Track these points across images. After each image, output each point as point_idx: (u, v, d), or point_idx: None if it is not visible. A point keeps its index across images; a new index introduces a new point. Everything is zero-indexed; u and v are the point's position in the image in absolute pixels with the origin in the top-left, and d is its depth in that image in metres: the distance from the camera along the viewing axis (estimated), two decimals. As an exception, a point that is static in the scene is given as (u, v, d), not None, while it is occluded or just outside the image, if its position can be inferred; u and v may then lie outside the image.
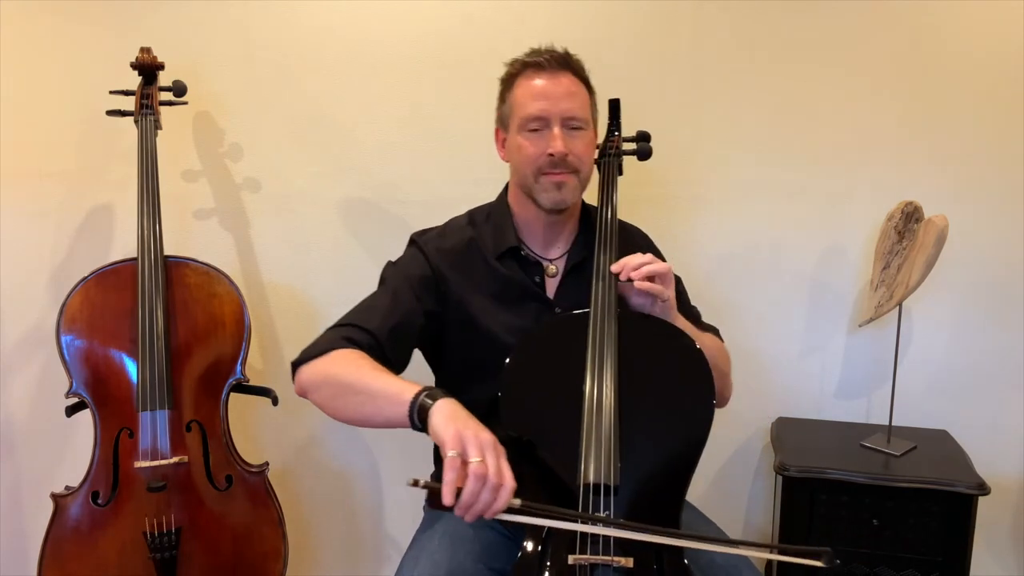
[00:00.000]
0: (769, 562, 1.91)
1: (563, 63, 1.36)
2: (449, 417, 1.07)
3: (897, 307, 1.73)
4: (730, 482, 2.04)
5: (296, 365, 1.30)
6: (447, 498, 1.00)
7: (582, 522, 1.13)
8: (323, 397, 1.24)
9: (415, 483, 1.01)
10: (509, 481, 1.02)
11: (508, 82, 1.41)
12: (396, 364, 1.35)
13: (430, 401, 1.10)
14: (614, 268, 1.32)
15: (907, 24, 1.80)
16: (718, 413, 1.95)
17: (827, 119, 1.85)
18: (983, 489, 1.60)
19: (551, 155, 1.34)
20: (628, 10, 1.85)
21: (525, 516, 1.06)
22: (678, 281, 1.53)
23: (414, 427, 1.12)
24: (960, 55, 1.79)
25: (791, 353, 1.95)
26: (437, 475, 1.56)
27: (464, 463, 1.01)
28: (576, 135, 1.36)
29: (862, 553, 1.68)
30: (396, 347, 1.34)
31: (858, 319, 1.87)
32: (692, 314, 1.50)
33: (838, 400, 1.96)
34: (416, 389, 1.12)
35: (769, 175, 1.89)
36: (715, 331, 1.53)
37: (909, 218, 1.72)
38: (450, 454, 1.01)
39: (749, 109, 1.87)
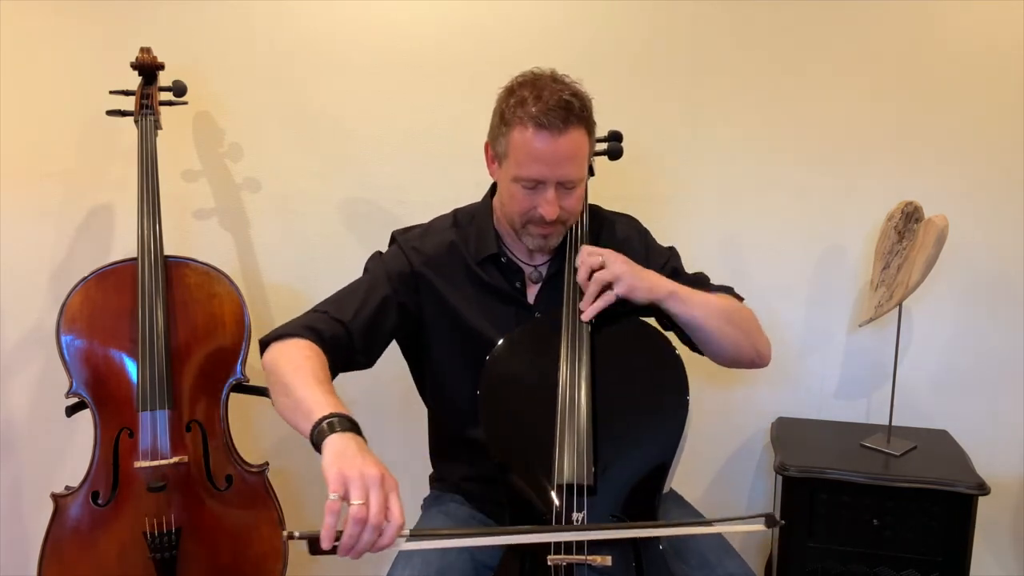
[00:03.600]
0: (768, 561, 1.91)
1: (567, 118, 1.25)
2: (336, 455, 1.02)
3: (897, 307, 1.74)
4: (730, 482, 2.04)
5: (263, 343, 1.29)
6: (325, 543, 0.97)
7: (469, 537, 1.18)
8: (270, 386, 1.24)
9: (290, 536, 0.98)
10: (396, 518, 0.99)
11: (507, 120, 1.29)
12: (365, 356, 1.36)
13: (327, 431, 1.06)
14: (582, 307, 1.32)
15: (907, 24, 1.80)
16: (718, 413, 1.97)
17: (827, 119, 1.85)
18: (983, 489, 1.60)
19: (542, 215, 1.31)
20: (629, 11, 1.85)
21: (414, 544, 1.06)
22: (672, 254, 1.50)
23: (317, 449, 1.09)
24: (960, 55, 1.79)
25: (791, 353, 1.95)
26: (441, 475, 1.56)
27: (345, 504, 0.98)
28: (570, 192, 1.31)
29: (862, 553, 1.68)
30: (366, 341, 1.34)
31: (858, 319, 1.87)
32: (698, 280, 1.47)
33: (838, 400, 1.96)
34: (326, 412, 1.08)
35: (769, 175, 1.89)
36: (728, 290, 1.48)
37: (909, 218, 1.72)
38: (331, 497, 0.98)
39: (748, 109, 1.87)
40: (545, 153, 1.26)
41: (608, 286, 1.30)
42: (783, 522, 1.12)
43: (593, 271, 1.31)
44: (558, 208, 1.30)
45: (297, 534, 0.98)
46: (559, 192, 1.30)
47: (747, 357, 1.40)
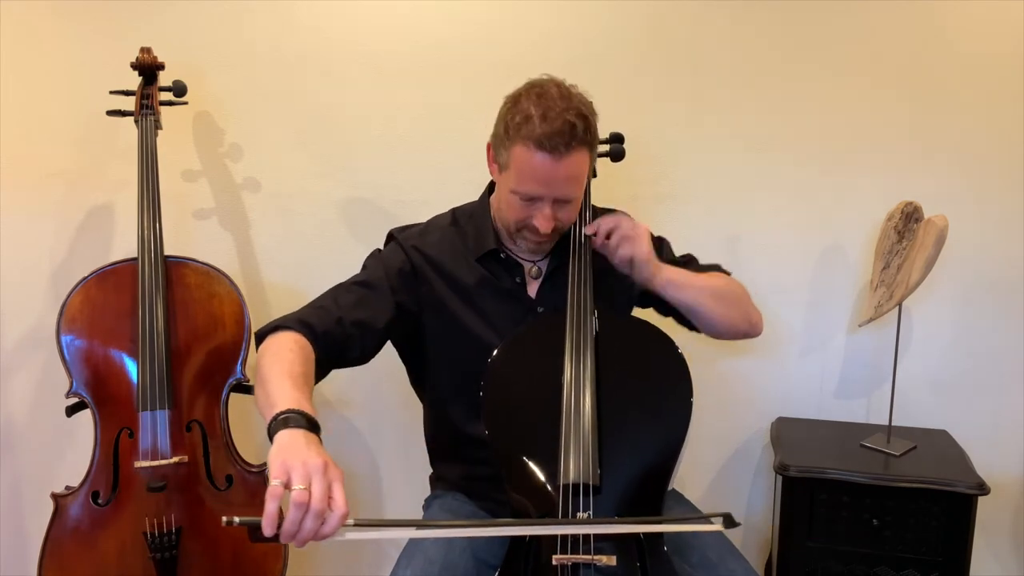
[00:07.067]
0: (768, 561, 1.91)
1: (569, 142, 1.24)
2: (281, 447, 1.03)
3: (897, 307, 1.74)
4: (730, 482, 2.04)
5: (258, 336, 1.29)
6: (266, 528, 0.96)
7: (417, 528, 1.15)
8: (255, 379, 1.23)
9: (229, 522, 0.97)
10: (340, 507, 0.99)
11: (510, 134, 1.28)
12: (360, 352, 1.35)
13: (281, 426, 1.06)
14: (587, 230, 1.36)
15: (908, 24, 1.80)
16: (718, 413, 1.97)
17: (827, 119, 1.85)
18: (983, 489, 1.60)
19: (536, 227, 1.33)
20: (629, 11, 1.85)
21: (359, 533, 1.06)
22: (664, 242, 1.55)
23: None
24: (960, 55, 1.79)
25: (791, 353, 1.95)
26: (441, 474, 1.57)
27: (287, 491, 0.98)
28: (567, 205, 1.32)
29: (862, 553, 1.68)
30: (362, 337, 1.34)
31: (858, 319, 1.87)
32: (688, 261, 1.53)
33: (838, 400, 1.96)
34: (283, 408, 1.08)
35: (769, 175, 1.89)
36: (717, 267, 1.54)
37: (909, 218, 1.72)
38: (272, 483, 0.98)
39: (749, 109, 1.87)
40: (545, 174, 1.27)
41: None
42: (739, 523, 1.13)
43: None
44: (553, 221, 1.32)
45: (238, 520, 0.97)
46: (555, 206, 1.31)
47: (741, 330, 1.48)
